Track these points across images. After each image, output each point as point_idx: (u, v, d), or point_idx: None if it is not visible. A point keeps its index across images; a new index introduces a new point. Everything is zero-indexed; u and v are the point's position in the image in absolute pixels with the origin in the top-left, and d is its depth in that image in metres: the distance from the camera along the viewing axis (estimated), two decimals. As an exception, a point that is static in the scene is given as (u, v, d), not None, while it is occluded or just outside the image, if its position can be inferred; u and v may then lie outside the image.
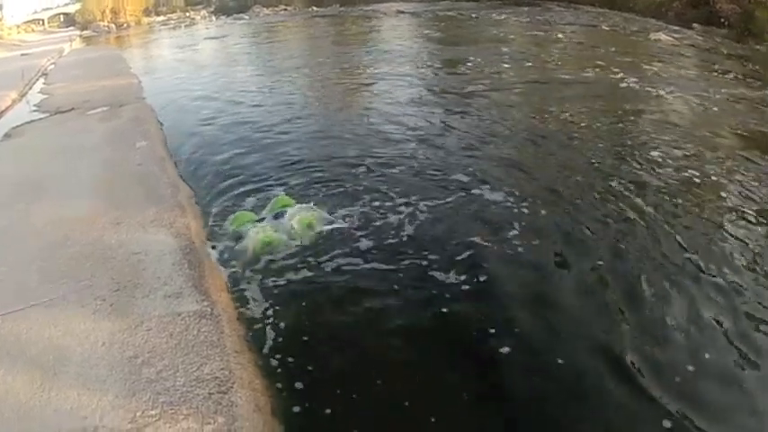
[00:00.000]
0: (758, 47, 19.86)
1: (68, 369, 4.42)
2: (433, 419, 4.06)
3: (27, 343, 4.78)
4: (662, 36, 21.09)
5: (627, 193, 7.45)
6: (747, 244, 6.22)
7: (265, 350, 4.81)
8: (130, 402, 4.03)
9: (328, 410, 4.18)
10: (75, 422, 3.88)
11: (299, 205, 7.00)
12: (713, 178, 8.03)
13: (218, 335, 4.71)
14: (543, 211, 6.89)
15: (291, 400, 4.28)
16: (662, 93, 12.99)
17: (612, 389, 4.21)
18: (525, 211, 6.90)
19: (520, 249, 6.06)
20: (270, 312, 5.28)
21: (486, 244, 6.12)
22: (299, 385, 4.41)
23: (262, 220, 6.70)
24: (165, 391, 4.12)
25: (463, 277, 5.57)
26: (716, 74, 15.34)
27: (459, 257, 5.93)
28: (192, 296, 5.24)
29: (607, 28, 23.84)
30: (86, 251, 6.25)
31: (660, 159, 8.70)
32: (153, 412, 3.93)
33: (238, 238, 6.46)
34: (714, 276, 5.61)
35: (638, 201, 7.20)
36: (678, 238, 6.35)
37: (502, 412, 4.15)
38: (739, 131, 10.19)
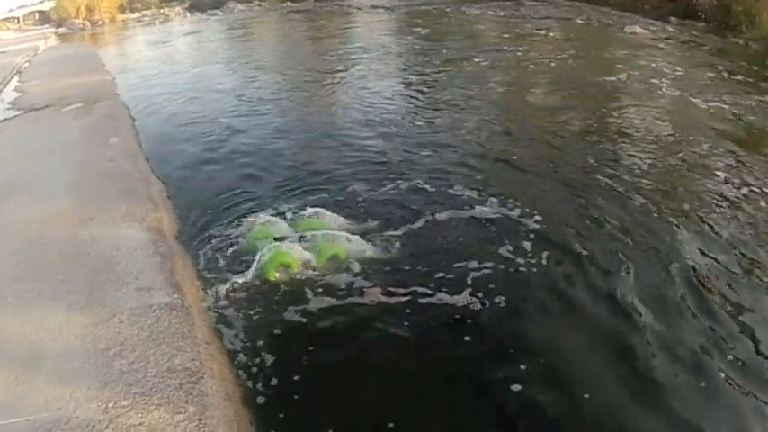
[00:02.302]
0: (736, 40, 19.80)
1: (43, 363, 4.46)
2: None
3: (2, 338, 4.81)
4: (637, 29, 20.93)
5: (607, 188, 7.48)
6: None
7: (236, 341, 4.85)
8: (103, 393, 4.07)
9: (297, 398, 4.23)
10: (49, 413, 3.91)
11: (328, 231, 6.24)
12: (689, 167, 8.20)
13: (189, 326, 4.76)
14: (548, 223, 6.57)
15: (262, 389, 4.33)
16: (636, 85, 13.08)
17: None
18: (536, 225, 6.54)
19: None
20: (242, 305, 5.30)
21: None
22: (268, 375, 4.46)
23: (283, 239, 6.07)
24: (137, 382, 4.16)
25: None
26: (692, 66, 15.38)
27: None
28: (163, 289, 5.27)
29: (582, 22, 23.57)
30: (60, 248, 6.26)
31: (636, 150, 8.81)
32: (125, 403, 3.98)
33: (250, 251, 5.97)
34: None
35: (624, 200, 7.17)
36: (666, 232, 6.41)
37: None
38: (716, 121, 10.29)
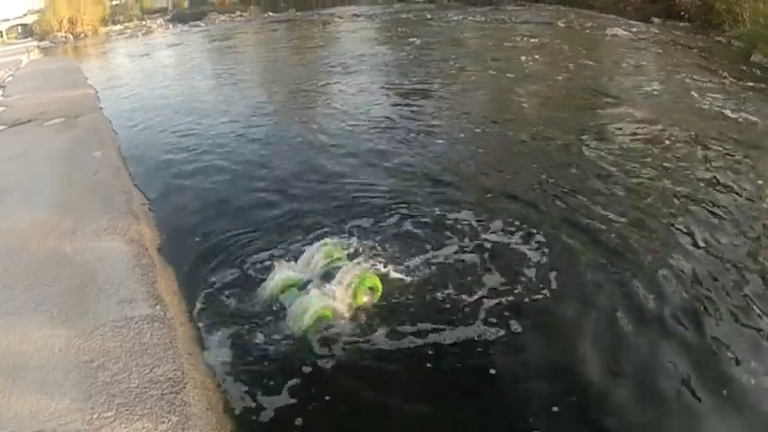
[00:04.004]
0: (719, 38, 20.05)
1: (27, 375, 4.47)
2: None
3: (-14, 351, 4.81)
4: (619, 31, 21.13)
5: (595, 192, 7.52)
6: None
7: (218, 351, 4.85)
8: (87, 405, 4.10)
9: (280, 407, 4.25)
10: (34, 425, 3.94)
11: (353, 263, 5.54)
12: (674, 166, 8.33)
13: (171, 337, 4.79)
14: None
15: (243, 398, 4.34)
16: (619, 87, 13.21)
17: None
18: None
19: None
20: (224, 317, 5.28)
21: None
22: (250, 384, 4.47)
23: (308, 283, 5.36)
24: (121, 393, 4.19)
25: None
26: (676, 66, 15.57)
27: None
28: (145, 301, 5.30)
29: (563, 25, 23.80)
30: (43, 260, 6.27)
31: (625, 151, 8.91)
32: (109, 414, 4.00)
33: (280, 309, 5.25)
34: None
35: (609, 202, 7.22)
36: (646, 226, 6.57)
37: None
38: (702, 119, 10.51)
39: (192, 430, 3.86)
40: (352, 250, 6.06)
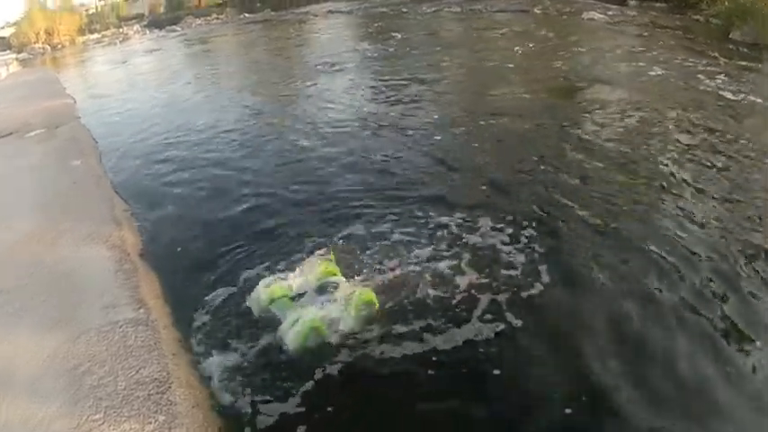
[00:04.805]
0: (696, 17, 20.08)
1: (16, 382, 4.52)
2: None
3: (-26, 360, 4.84)
4: (596, 15, 21.10)
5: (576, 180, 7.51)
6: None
7: (202, 350, 4.90)
8: (75, 409, 4.15)
9: (265, 403, 4.31)
10: (24, 432, 3.97)
11: (348, 280, 5.43)
12: (661, 145, 8.46)
13: (155, 339, 4.84)
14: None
15: (230, 396, 4.39)
16: (599, 70, 13.27)
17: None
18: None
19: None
20: (206, 316, 5.33)
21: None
22: (236, 381, 4.51)
23: (302, 295, 5.25)
24: (108, 396, 4.24)
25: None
26: (654, 46, 15.64)
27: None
28: (129, 305, 5.34)
29: (539, 12, 23.72)
30: (27, 270, 6.29)
31: (603, 136, 8.94)
32: (97, 417, 4.06)
33: (266, 311, 5.16)
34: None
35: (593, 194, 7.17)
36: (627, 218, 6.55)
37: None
38: (683, 100, 10.59)
39: (180, 429, 3.91)
40: (345, 259, 5.86)
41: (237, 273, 5.97)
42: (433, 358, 4.56)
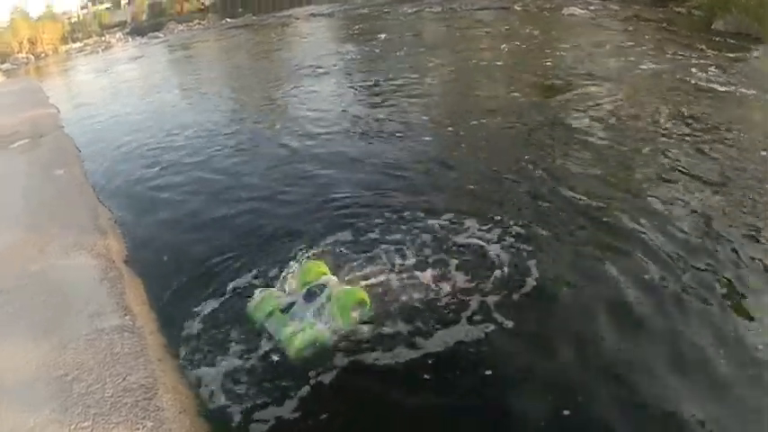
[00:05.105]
0: (678, 9, 20.12)
1: (6, 391, 4.54)
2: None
3: (-36, 371, 4.85)
4: (577, 11, 21.11)
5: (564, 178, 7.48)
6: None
7: (189, 356, 4.89)
8: (64, 417, 4.17)
9: (254, 407, 4.29)
10: (14, 442, 3.99)
11: (335, 277, 5.36)
12: (647, 140, 8.49)
13: (141, 346, 4.86)
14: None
15: (217, 400, 4.39)
16: (583, 65, 13.27)
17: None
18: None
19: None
20: (192, 321, 5.30)
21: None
22: (224, 386, 4.50)
23: (291, 305, 5.04)
24: (96, 403, 4.26)
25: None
26: (637, 40, 15.71)
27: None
28: (115, 312, 5.36)
29: (519, 9, 23.74)
30: (14, 280, 6.29)
31: (591, 133, 8.91)
32: (86, 424, 4.08)
33: (255, 328, 5.02)
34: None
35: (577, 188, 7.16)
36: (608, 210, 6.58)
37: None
38: (668, 92, 10.65)
39: (167, 434, 3.93)
40: (334, 263, 5.71)
41: (223, 277, 5.96)
42: (426, 361, 4.52)
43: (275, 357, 4.67)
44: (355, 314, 4.87)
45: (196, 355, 4.88)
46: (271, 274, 5.82)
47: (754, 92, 10.40)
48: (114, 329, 5.10)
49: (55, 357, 4.85)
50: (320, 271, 5.35)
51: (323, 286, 5.06)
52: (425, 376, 4.38)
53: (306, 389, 4.39)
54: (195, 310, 5.44)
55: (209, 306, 5.47)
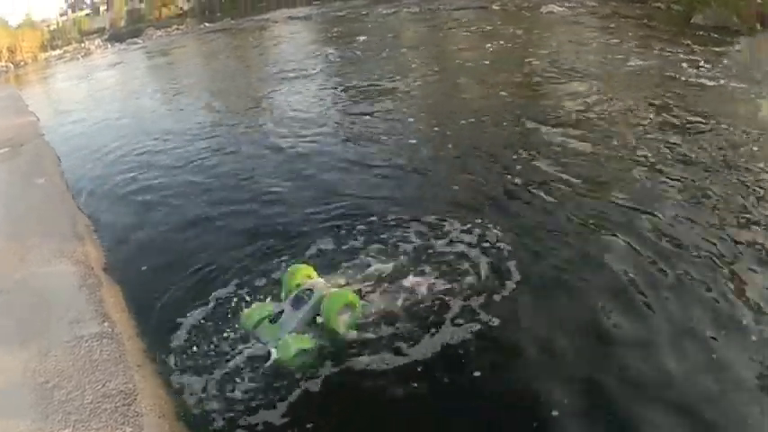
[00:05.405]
0: (657, 4, 20.32)
1: (-13, 401, 4.55)
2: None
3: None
4: (554, 8, 21.22)
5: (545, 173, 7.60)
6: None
7: (169, 361, 4.90)
8: (45, 424, 4.21)
9: (233, 411, 4.32)
10: (-5, 449, 4.02)
11: (323, 279, 5.34)
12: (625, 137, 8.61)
13: (120, 352, 4.90)
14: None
15: (197, 405, 4.41)
16: (567, 64, 13.32)
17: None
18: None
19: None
20: (171, 326, 5.30)
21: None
22: (204, 391, 4.51)
23: (279, 314, 4.97)
24: (76, 410, 4.30)
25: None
26: (618, 37, 15.84)
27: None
28: (94, 319, 5.39)
29: (498, 8, 23.82)
30: (-6, 290, 6.31)
31: (574, 131, 8.99)
32: (66, 431, 4.11)
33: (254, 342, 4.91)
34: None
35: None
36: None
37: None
38: (651, 90, 10.82)
39: (146, 438, 3.97)
40: (319, 267, 5.59)
41: (202, 282, 5.98)
42: (414, 364, 4.53)
43: (257, 363, 4.66)
44: (344, 317, 4.84)
45: (176, 360, 4.89)
46: (251, 278, 5.85)
47: (737, 85, 10.64)
48: (93, 336, 5.13)
49: (36, 365, 4.88)
50: (307, 274, 5.31)
51: (310, 291, 4.99)
52: (415, 380, 4.41)
53: (293, 394, 4.41)
54: (174, 315, 5.46)
55: (188, 312, 5.46)
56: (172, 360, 4.90)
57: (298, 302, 4.94)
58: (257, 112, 13.20)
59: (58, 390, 4.55)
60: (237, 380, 4.55)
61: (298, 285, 5.14)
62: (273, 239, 6.66)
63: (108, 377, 4.60)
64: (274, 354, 4.55)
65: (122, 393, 4.41)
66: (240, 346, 4.85)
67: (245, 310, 5.12)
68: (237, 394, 4.42)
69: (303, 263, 5.62)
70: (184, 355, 4.92)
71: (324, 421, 4.19)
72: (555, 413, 3.98)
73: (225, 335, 5.03)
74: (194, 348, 4.97)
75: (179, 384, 4.62)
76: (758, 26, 15.78)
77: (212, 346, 4.94)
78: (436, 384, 4.36)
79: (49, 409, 4.36)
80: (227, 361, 4.74)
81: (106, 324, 5.30)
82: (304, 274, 5.28)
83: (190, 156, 10.53)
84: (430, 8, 26.76)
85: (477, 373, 4.40)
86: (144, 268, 6.57)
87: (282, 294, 5.25)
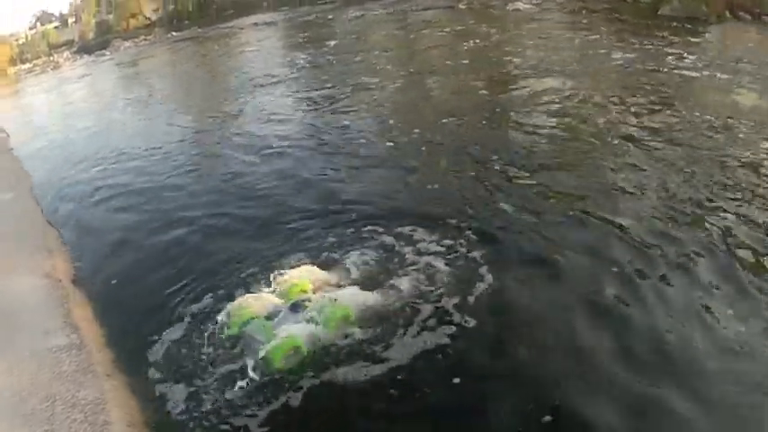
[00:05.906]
0: None
1: (-44, 418, 4.53)
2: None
3: None
4: (520, 5, 21.21)
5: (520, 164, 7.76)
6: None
7: (138, 370, 4.91)
8: (14, 436, 4.19)
9: (202, 419, 4.32)
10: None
11: (321, 294, 5.32)
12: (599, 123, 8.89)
13: (89, 362, 4.92)
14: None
15: (166, 413, 4.42)
16: (538, 61, 13.36)
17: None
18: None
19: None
20: (140, 335, 5.32)
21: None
22: (173, 398, 4.52)
23: (276, 314, 5.06)
24: (45, 420, 4.31)
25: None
26: (586, 31, 16.02)
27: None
28: (62, 330, 5.40)
29: (464, 7, 23.77)
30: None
31: (549, 128, 9.08)
32: (35, 442, 4.12)
33: (242, 342, 4.94)
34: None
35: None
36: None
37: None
38: (624, 82, 10.95)
39: (115, 447, 4.00)
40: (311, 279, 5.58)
41: (172, 292, 5.96)
42: (403, 368, 4.58)
43: (230, 372, 4.67)
44: (340, 327, 4.89)
45: (147, 369, 4.89)
46: (220, 288, 5.83)
47: (710, 73, 10.92)
48: (62, 348, 5.15)
49: (4, 379, 4.87)
50: (301, 287, 5.36)
51: (308, 300, 5.09)
52: (406, 382, 4.46)
53: (268, 404, 4.42)
54: (145, 325, 5.47)
55: (158, 321, 5.47)
56: (142, 370, 4.90)
57: (296, 308, 5.02)
58: (227, 121, 12.98)
59: (26, 402, 4.55)
60: (209, 389, 4.55)
61: (291, 298, 5.19)
62: (240, 251, 6.61)
63: (77, 387, 4.62)
64: (263, 352, 4.60)
65: (92, 403, 4.43)
66: (212, 356, 4.86)
67: (235, 303, 5.20)
68: (208, 404, 4.42)
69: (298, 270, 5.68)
70: (155, 365, 4.93)
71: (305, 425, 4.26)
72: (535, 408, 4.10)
73: (196, 344, 5.03)
74: (165, 358, 4.98)
75: (149, 393, 4.63)
76: (727, 14, 16.00)
77: (183, 356, 4.95)
78: (423, 387, 4.43)
79: (18, 421, 4.36)
80: (199, 370, 4.74)
81: (74, 335, 5.31)
82: (300, 289, 5.32)
83: (159, 168, 10.41)
84: (398, 10, 26.62)
85: (456, 379, 4.45)
86: (114, 281, 6.56)
87: (277, 298, 5.31)
